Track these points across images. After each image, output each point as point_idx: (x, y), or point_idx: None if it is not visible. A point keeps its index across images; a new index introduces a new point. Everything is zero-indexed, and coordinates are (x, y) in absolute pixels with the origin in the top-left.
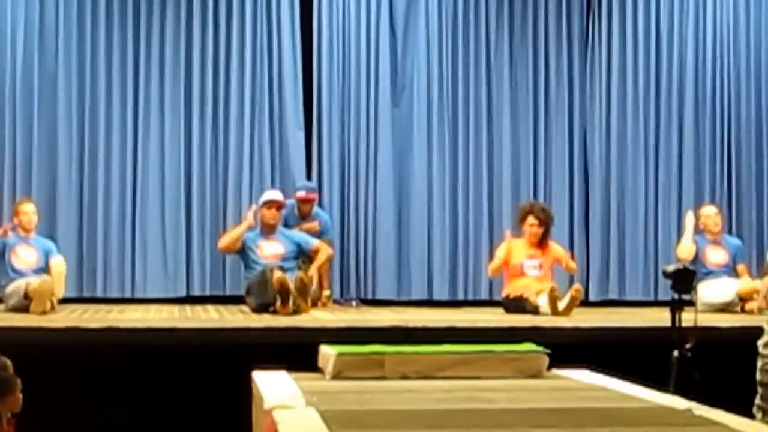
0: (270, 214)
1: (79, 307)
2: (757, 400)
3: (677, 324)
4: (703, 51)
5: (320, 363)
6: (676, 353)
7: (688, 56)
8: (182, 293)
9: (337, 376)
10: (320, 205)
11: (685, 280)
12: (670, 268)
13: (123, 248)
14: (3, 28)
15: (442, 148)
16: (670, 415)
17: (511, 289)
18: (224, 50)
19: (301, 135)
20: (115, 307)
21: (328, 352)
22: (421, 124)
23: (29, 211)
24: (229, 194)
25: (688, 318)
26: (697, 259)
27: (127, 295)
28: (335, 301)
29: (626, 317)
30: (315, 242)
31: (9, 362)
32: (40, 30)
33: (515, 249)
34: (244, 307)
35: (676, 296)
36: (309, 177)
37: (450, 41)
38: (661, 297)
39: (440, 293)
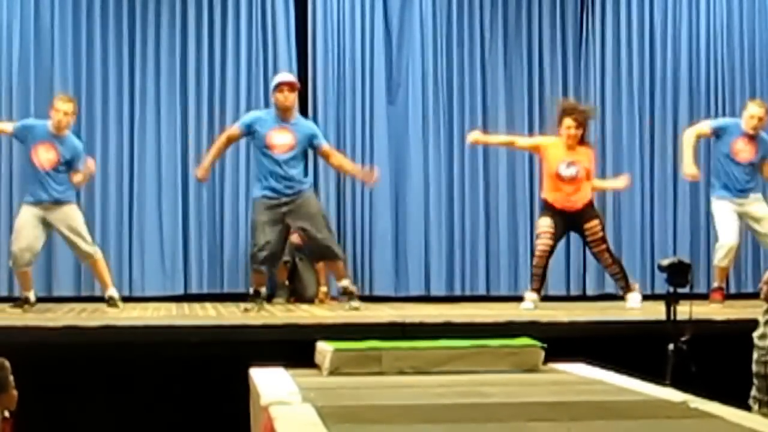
0: (283, 97)
1: (77, 306)
2: (753, 392)
3: (673, 317)
4: (697, 47)
5: (317, 359)
6: (672, 346)
7: (682, 52)
8: (180, 291)
9: (334, 372)
10: None
11: (681, 273)
12: (666, 261)
13: (120, 246)
14: None
15: (438, 144)
16: (666, 408)
17: (547, 194)
18: (220, 47)
19: None
20: None
21: (325, 349)
22: (417, 121)
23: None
24: (226, 192)
25: (683, 311)
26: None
27: (125, 293)
28: (333, 298)
29: (623, 311)
30: (325, 144)
31: (6, 362)
32: (35, 28)
33: (552, 151)
34: (242, 305)
35: (671, 289)
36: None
37: (445, 38)
38: (657, 290)
39: (437, 289)
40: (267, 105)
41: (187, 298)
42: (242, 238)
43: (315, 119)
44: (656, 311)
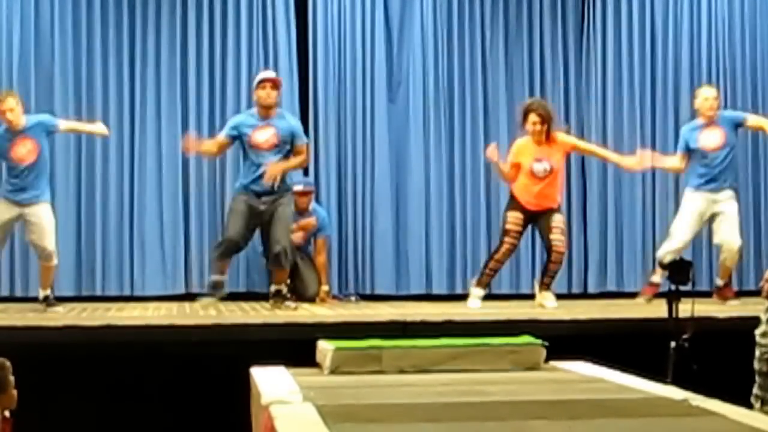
0: (265, 94)
1: (78, 306)
2: (755, 390)
3: (674, 315)
4: (698, 45)
5: (318, 358)
6: (673, 344)
7: (683, 49)
8: (181, 290)
9: (334, 371)
10: (317, 201)
11: (682, 271)
12: (667, 259)
13: (121, 246)
14: None
15: (439, 143)
16: (667, 406)
17: (518, 192)
18: (220, 46)
19: None
20: (114, 305)
21: (325, 348)
22: (418, 120)
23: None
24: (227, 191)
25: (685, 309)
26: (688, 164)
27: (126, 293)
28: (334, 297)
29: (624, 309)
30: (302, 143)
31: (7, 362)
32: (35, 29)
33: (523, 150)
34: (243, 304)
35: (673, 287)
36: (306, 173)
37: (445, 36)
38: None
39: (439, 287)
40: None
41: (188, 297)
42: None
43: (315, 118)
44: (658, 309)
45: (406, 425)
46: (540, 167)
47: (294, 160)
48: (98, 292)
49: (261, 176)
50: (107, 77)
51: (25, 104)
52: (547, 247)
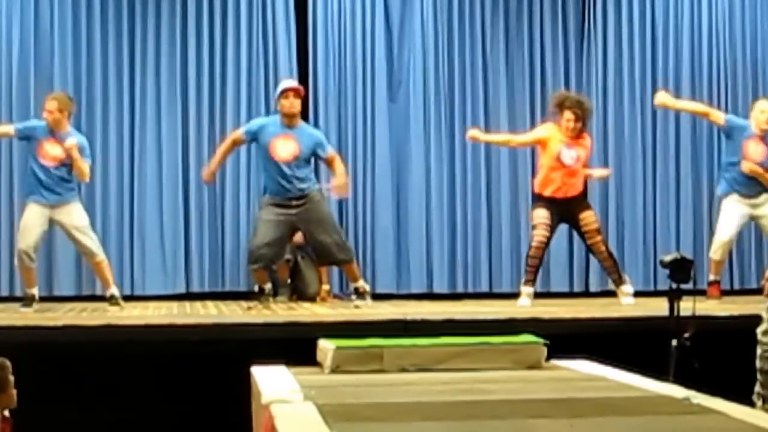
0: (288, 104)
1: (78, 305)
2: (757, 388)
3: (676, 313)
4: (698, 42)
5: (319, 357)
6: (675, 343)
7: (683, 47)
8: (181, 290)
9: (335, 369)
10: None
11: (683, 269)
12: (668, 258)
13: (121, 245)
14: None
15: (440, 142)
16: (668, 404)
17: (542, 187)
18: (220, 46)
19: None
20: None
21: (326, 346)
22: (418, 119)
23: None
24: (227, 190)
25: (686, 307)
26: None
27: (126, 292)
28: (335, 296)
29: (625, 307)
30: (331, 150)
31: (7, 362)
32: (35, 29)
33: (553, 139)
34: (243, 303)
35: (674, 285)
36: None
37: (446, 35)
38: (660, 287)
39: (440, 286)
40: (267, 101)
41: (189, 296)
42: (243, 236)
43: (316, 117)
44: (659, 307)
45: (408, 424)
46: (569, 156)
47: (340, 170)
48: (98, 292)
49: (286, 179)
50: (107, 77)
51: (24, 105)
52: (591, 252)
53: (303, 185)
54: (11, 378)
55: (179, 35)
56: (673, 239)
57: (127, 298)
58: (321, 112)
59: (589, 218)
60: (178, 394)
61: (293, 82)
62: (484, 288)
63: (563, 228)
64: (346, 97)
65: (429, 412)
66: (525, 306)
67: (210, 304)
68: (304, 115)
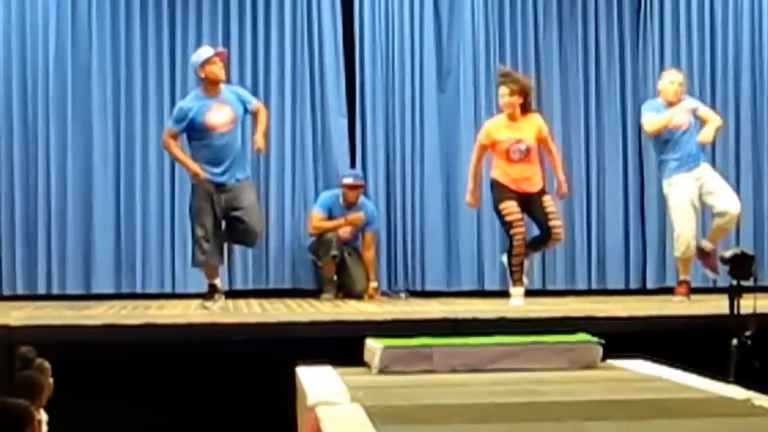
0: (218, 68)
1: (117, 303)
2: None
3: (736, 311)
4: (759, 29)
5: (366, 357)
6: (735, 341)
7: (743, 35)
8: (224, 287)
9: (383, 370)
10: (365, 194)
11: (744, 265)
12: (728, 253)
13: (162, 242)
14: (35, 21)
15: None
16: (728, 406)
17: (499, 175)
18: (263, 37)
19: (344, 122)
20: (155, 303)
21: (374, 346)
22: (468, 110)
23: None
24: (271, 183)
25: (747, 305)
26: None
27: (167, 290)
28: (383, 293)
29: (684, 305)
30: (256, 102)
31: (47, 364)
32: (72, 21)
33: (496, 129)
34: (288, 301)
35: (734, 282)
36: (353, 165)
37: (497, 23)
38: (720, 283)
39: (491, 283)
40: (312, 97)
41: (232, 294)
42: (288, 232)
43: (362, 108)
44: (719, 305)
45: (458, 426)
46: (516, 148)
47: (262, 122)
48: (138, 290)
49: (219, 162)
50: (146, 70)
51: (62, 98)
52: (545, 232)
53: (236, 169)
54: (51, 381)
55: (221, 29)
56: (733, 234)
57: (168, 296)
58: (368, 103)
59: (548, 200)
60: (220, 396)
61: (216, 48)
62: (537, 285)
63: (617, 222)
64: (394, 87)
65: (480, 414)
66: (520, 305)
67: (254, 302)
68: (351, 106)
